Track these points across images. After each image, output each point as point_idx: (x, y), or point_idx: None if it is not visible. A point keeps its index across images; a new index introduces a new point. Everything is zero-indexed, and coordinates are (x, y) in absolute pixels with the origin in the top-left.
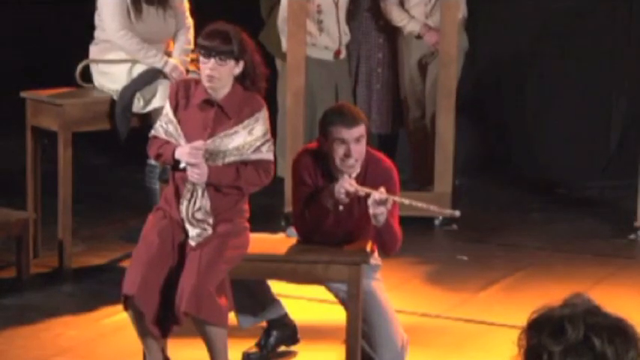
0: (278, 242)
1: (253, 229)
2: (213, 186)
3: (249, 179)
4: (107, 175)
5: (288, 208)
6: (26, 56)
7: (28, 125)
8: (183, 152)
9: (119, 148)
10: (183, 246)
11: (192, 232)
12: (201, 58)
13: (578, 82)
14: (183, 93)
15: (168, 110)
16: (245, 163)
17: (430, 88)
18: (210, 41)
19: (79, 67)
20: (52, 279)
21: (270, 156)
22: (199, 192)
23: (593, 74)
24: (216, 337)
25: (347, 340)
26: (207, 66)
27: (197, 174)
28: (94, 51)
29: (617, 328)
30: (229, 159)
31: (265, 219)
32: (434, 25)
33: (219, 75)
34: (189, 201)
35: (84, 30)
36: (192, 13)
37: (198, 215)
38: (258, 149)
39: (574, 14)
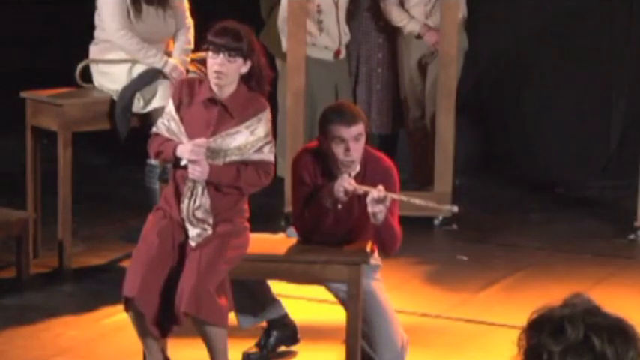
0: (278, 242)
1: (253, 229)
2: (213, 185)
3: (249, 180)
4: (107, 175)
5: (288, 208)
6: (26, 56)
7: (28, 125)
8: (185, 149)
9: (119, 148)
10: (183, 246)
11: (192, 231)
12: (210, 54)
13: (578, 82)
14: (187, 91)
15: (171, 108)
16: (246, 163)
17: (430, 88)
18: (221, 38)
19: (79, 67)
20: (52, 279)
21: (270, 157)
22: (199, 190)
23: (593, 74)
24: (216, 337)
25: (347, 340)
26: (216, 62)
27: (198, 171)
28: (94, 51)
29: (616, 328)
30: (230, 158)
31: (265, 219)
32: (434, 25)
33: (226, 71)
34: (190, 199)
35: (84, 30)
36: (192, 13)
37: (198, 214)
38: (259, 150)
39: (574, 14)
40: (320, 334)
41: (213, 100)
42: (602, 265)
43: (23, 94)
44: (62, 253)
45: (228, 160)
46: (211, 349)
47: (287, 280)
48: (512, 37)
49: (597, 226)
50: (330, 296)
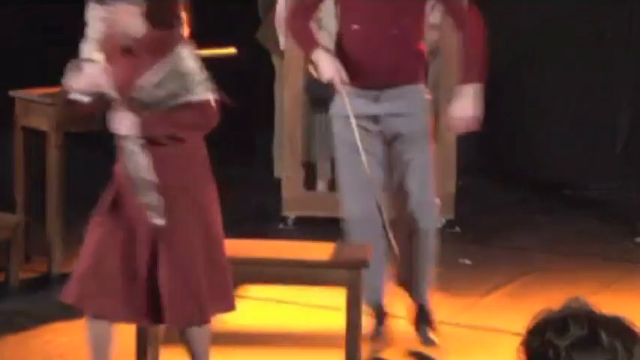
0: (277, 246)
1: (250, 230)
2: (150, 140)
3: (182, 122)
4: (106, 175)
5: (286, 212)
6: (26, 56)
7: (17, 125)
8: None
9: (118, 148)
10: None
11: (145, 198)
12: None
13: (581, 83)
14: (109, 47)
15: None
16: (179, 107)
17: (430, 89)
18: None
19: None
20: (41, 284)
21: (206, 96)
22: (137, 148)
23: (594, 74)
24: (198, 338)
25: (346, 347)
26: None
27: (125, 125)
28: None
29: (620, 323)
30: (163, 106)
31: (262, 219)
32: (434, 24)
33: (117, 24)
34: (131, 160)
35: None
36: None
37: (143, 175)
38: (191, 92)
39: (574, 14)
40: (318, 340)
41: (127, 50)
42: (609, 269)
43: (12, 93)
44: (51, 258)
45: (161, 108)
46: (193, 351)
47: (287, 283)
48: (513, 37)
49: (604, 228)
50: (327, 302)
